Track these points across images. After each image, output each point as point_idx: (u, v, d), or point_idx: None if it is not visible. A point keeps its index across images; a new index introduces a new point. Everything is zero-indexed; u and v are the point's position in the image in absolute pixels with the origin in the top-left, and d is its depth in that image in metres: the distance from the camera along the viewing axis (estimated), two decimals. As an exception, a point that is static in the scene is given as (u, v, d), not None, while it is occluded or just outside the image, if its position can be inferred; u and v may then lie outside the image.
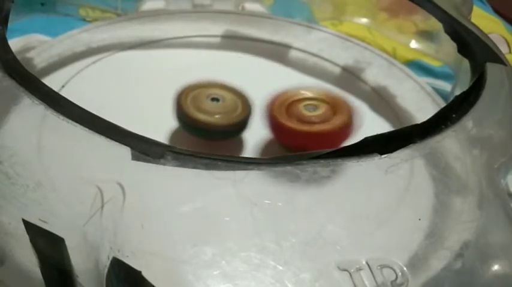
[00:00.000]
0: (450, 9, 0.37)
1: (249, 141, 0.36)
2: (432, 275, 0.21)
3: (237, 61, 0.44)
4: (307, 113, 0.34)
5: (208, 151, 0.22)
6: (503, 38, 0.55)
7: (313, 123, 0.33)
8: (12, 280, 0.22)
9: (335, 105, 0.34)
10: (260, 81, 0.41)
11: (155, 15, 0.47)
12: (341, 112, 0.34)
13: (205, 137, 0.35)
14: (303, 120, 0.33)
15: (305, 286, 0.19)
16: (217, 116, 0.34)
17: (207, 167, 0.22)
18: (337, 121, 0.33)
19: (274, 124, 0.34)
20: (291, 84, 0.38)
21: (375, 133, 0.24)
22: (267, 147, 0.35)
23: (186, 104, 0.34)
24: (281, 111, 0.34)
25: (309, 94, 0.35)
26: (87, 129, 0.22)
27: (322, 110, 0.34)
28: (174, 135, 0.36)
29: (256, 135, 0.36)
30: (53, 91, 0.25)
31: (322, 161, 0.23)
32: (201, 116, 0.34)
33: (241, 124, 0.35)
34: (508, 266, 0.22)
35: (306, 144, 0.33)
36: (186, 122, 0.34)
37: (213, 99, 0.35)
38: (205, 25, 0.47)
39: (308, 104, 0.34)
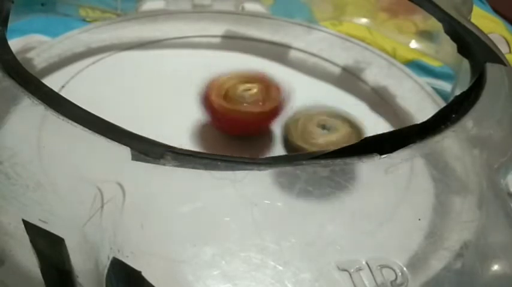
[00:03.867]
0: (450, 9, 0.37)
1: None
2: (432, 275, 0.21)
3: (237, 61, 0.44)
4: (242, 96, 0.35)
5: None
6: (503, 38, 0.56)
7: (247, 105, 0.35)
8: (12, 280, 0.22)
9: (268, 88, 0.36)
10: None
11: (155, 15, 0.48)
12: (273, 94, 0.36)
13: None
14: (237, 103, 0.35)
15: (305, 286, 0.19)
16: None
17: (207, 167, 0.22)
18: (268, 103, 0.35)
19: (211, 108, 0.36)
20: (290, 84, 0.38)
21: (374, 133, 0.24)
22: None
23: (294, 136, 0.34)
24: (219, 96, 0.35)
25: (243, 78, 0.37)
26: (87, 129, 0.22)
27: (255, 92, 0.36)
28: (174, 134, 0.36)
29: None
30: (53, 91, 0.25)
31: (322, 161, 0.23)
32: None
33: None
34: (507, 266, 0.22)
35: (241, 126, 0.36)
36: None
37: (324, 127, 0.34)
38: (205, 25, 0.47)
39: (244, 89, 0.36)
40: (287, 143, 0.35)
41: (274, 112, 0.36)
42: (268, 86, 0.36)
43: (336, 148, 0.23)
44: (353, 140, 0.32)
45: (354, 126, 0.35)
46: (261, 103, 0.35)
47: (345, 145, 0.31)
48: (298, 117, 0.35)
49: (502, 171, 0.26)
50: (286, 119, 0.35)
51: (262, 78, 0.37)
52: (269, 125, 0.36)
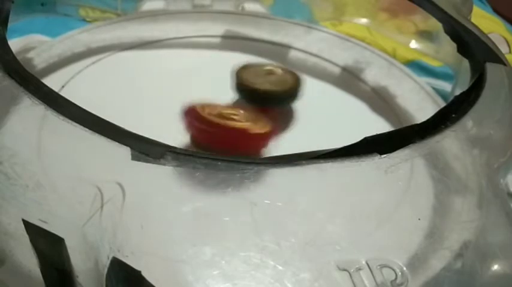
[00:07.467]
0: (450, 9, 0.37)
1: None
2: (432, 275, 0.21)
3: (237, 61, 0.44)
4: (228, 115, 0.34)
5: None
6: (503, 38, 0.56)
7: (236, 121, 0.34)
8: (12, 280, 0.22)
9: (255, 118, 0.35)
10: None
11: (155, 15, 0.48)
12: (261, 122, 0.35)
13: (264, 104, 0.38)
14: (224, 118, 0.34)
15: (305, 286, 0.19)
16: (273, 85, 0.38)
17: (207, 167, 0.22)
18: (258, 125, 0.34)
19: (196, 121, 0.34)
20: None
21: (374, 133, 0.24)
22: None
23: (244, 77, 0.38)
24: (203, 113, 0.34)
25: (227, 109, 0.36)
26: (87, 129, 0.22)
27: (242, 116, 0.35)
28: (174, 134, 0.36)
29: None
30: (53, 91, 0.25)
31: (322, 161, 0.23)
32: (259, 86, 0.38)
33: (294, 92, 0.39)
34: (507, 266, 0.22)
35: (226, 141, 0.33)
36: (247, 92, 0.38)
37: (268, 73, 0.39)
38: (205, 25, 0.47)
39: (228, 113, 0.35)
40: (239, 84, 0.38)
41: (265, 135, 0.34)
42: (255, 116, 0.35)
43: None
44: (289, 79, 0.39)
45: (293, 74, 0.40)
46: (249, 124, 0.34)
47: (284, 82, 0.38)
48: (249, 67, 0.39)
49: (502, 171, 0.26)
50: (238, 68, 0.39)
51: (247, 110, 0.36)
52: (260, 147, 0.34)
